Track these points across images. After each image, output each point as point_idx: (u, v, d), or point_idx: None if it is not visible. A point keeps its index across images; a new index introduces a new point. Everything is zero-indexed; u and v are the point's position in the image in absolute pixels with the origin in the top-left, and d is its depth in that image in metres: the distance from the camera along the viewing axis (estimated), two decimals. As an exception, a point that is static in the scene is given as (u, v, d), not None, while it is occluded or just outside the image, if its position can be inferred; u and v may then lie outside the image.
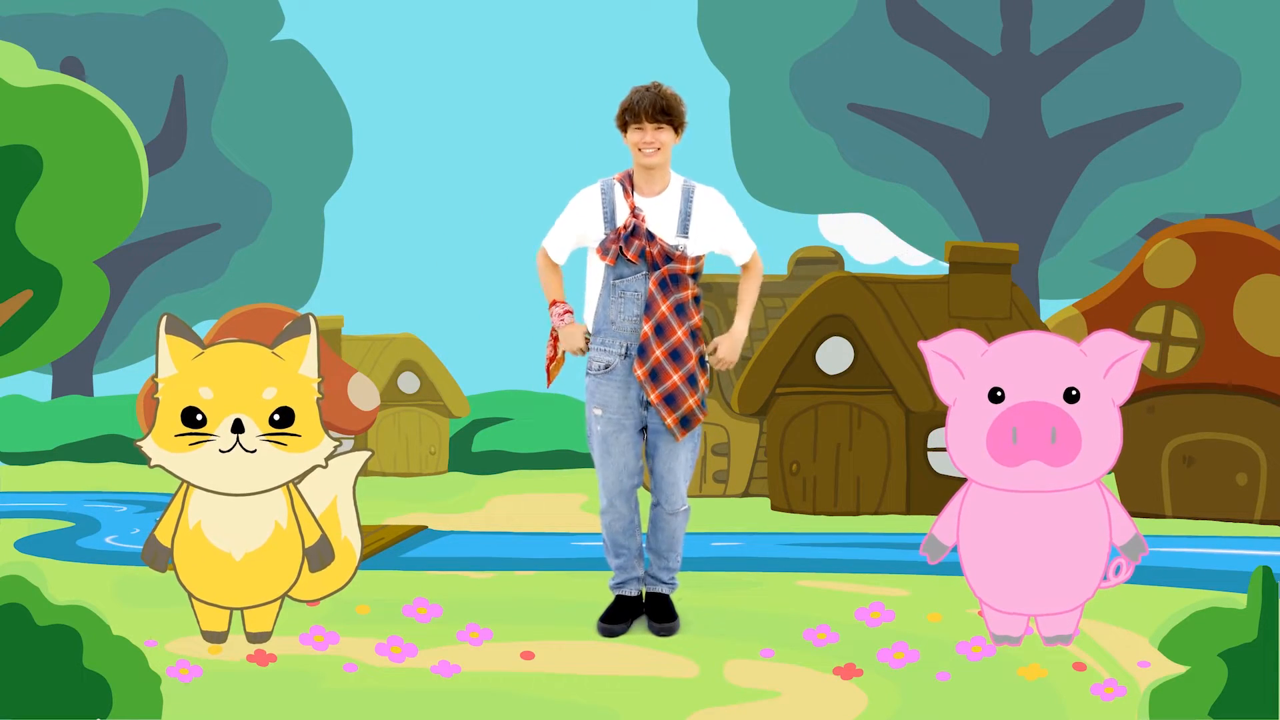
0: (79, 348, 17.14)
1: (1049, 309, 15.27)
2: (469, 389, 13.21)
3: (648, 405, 4.71)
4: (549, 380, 4.92)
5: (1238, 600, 3.25)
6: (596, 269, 4.78)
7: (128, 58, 17.21)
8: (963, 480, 4.46)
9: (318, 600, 4.78)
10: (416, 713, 3.83)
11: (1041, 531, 4.37)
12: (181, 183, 17.41)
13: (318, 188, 18.20)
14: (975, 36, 15.28)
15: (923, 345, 4.45)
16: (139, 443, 4.48)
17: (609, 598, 4.99)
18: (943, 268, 16.86)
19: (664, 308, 4.63)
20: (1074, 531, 4.37)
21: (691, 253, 4.70)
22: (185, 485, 4.50)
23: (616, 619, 4.86)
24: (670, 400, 4.64)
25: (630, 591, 4.93)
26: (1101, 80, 14.98)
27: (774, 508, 8.76)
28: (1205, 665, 3.13)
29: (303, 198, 18.10)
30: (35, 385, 17.13)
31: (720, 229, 4.77)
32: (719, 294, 9.76)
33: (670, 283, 4.65)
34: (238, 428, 4.41)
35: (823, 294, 8.57)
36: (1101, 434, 4.33)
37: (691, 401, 4.67)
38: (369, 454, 4.85)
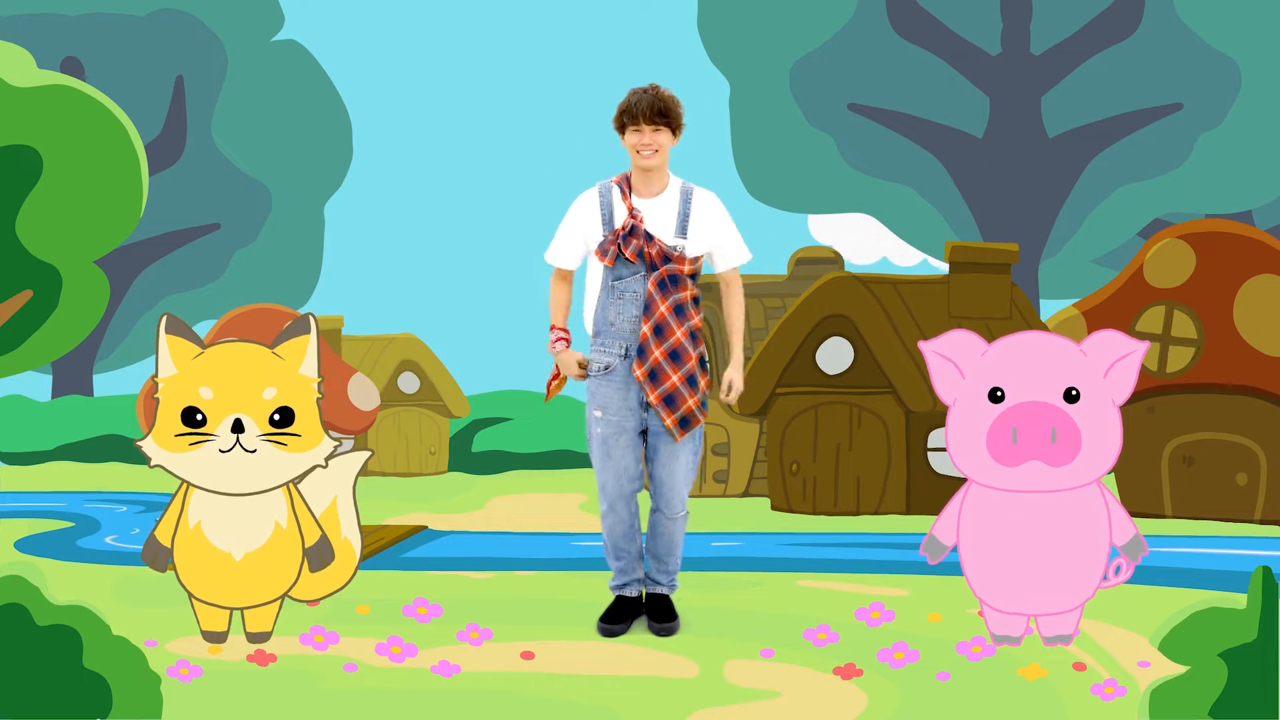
0: (79, 348, 17.14)
1: (1049, 309, 15.27)
2: (469, 389, 13.22)
3: (648, 407, 4.71)
4: (547, 397, 4.94)
5: (1238, 600, 3.25)
6: (596, 271, 4.78)
7: (128, 58, 17.22)
8: (963, 480, 4.46)
9: (318, 600, 4.77)
10: (416, 713, 3.83)
11: (1041, 531, 4.37)
12: (181, 183, 17.42)
13: (318, 188, 18.20)
14: (975, 36, 15.29)
15: (923, 345, 4.45)
16: (139, 443, 4.48)
17: (609, 598, 4.99)
18: (933, 268, 16.90)
19: (663, 308, 4.63)
20: (1074, 531, 4.37)
21: (690, 254, 4.70)
22: (185, 485, 4.50)
23: (616, 619, 4.86)
24: (669, 401, 4.64)
25: (630, 592, 4.93)
26: (1101, 80, 14.99)
27: (774, 508, 8.76)
28: (1205, 665, 3.13)
29: (303, 198, 18.11)
30: (35, 385, 17.13)
31: (715, 231, 4.77)
32: (719, 294, 9.76)
33: (669, 283, 4.65)
34: (238, 428, 4.41)
35: (823, 294, 8.57)
36: (1101, 434, 4.33)
37: (691, 402, 4.67)
38: (369, 454, 4.85)
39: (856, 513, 8.45)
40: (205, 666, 4.29)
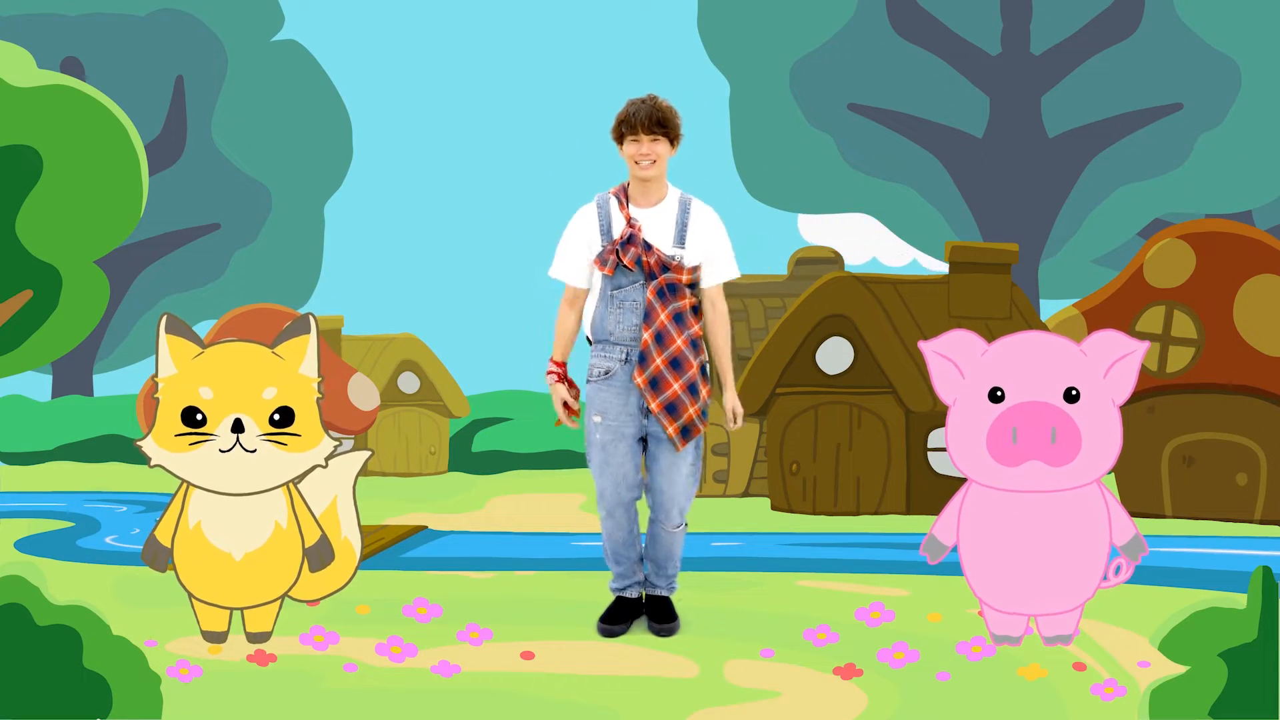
0: (79, 348, 17.14)
1: (1049, 309, 15.27)
2: (469, 389, 13.22)
3: (648, 414, 4.70)
4: (558, 423, 4.95)
5: (1238, 600, 3.25)
6: (595, 281, 4.78)
7: (128, 58, 17.22)
8: (963, 480, 4.46)
9: (318, 600, 4.77)
10: (416, 713, 3.83)
11: (1041, 531, 4.37)
12: (181, 183, 17.42)
13: (318, 188, 18.21)
14: (975, 36, 15.29)
15: (923, 345, 4.45)
16: (139, 442, 4.48)
17: (609, 598, 4.99)
18: (922, 268, 16.91)
19: (663, 316, 4.63)
20: (1074, 531, 4.37)
21: (688, 263, 4.70)
22: (185, 485, 4.50)
23: (616, 619, 4.86)
24: (671, 409, 4.64)
25: (630, 594, 4.93)
26: (1101, 80, 14.99)
27: (774, 508, 8.76)
28: (1205, 665, 3.13)
29: (303, 198, 18.11)
30: (35, 385, 17.14)
31: (709, 247, 4.76)
32: (719, 294, 9.76)
33: (668, 292, 4.66)
34: (238, 427, 4.41)
35: (823, 294, 8.57)
36: (1101, 434, 4.33)
37: (692, 411, 4.67)
38: (369, 454, 4.85)
39: (856, 513, 8.45)
40: (205, 666, 4.29)
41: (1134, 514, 7.91)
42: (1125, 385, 4.36)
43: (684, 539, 4.92)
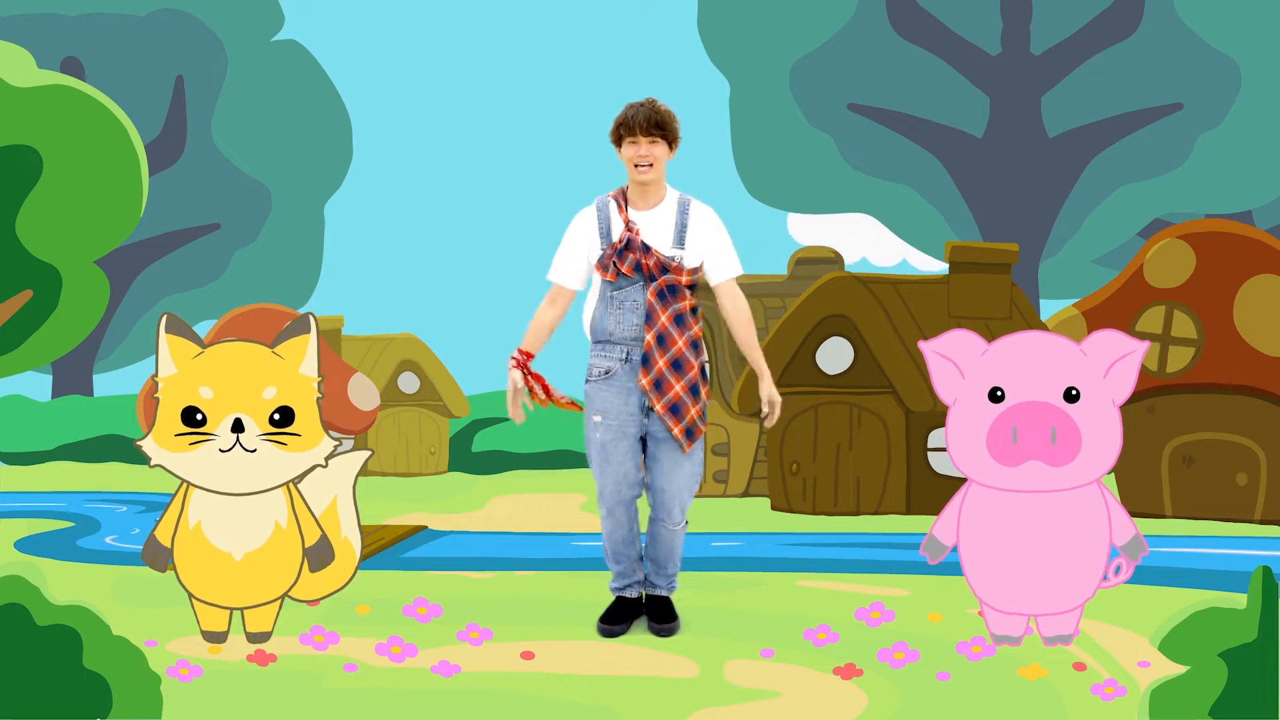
0: (79, 348, 17.15)
1: (1049, 309, 15.27)
2: (469, 389, 13.21)
3: (648, 413, 4.71)
4: (545, 403, 4.90)
5: (1238, 600, 3.25)
6: (595, 282, 4.79)
7: (128, 58, 17.22)
8: (963, 480, 4.46)
9: (318, 600, 4.77)
10: (416, 713, 3.83)
11: (1041, 531, 4.37)
12: (181, 183, 17.42)
13: (318, 188, 18.21)
14: (975, 36, 15.29)
15: (923, 345, 4.45)
16: (139, 442, 4.48)
17: (609, 598, 4.99)
18: (912, 267, 16.91)
19: (664, 318, 4.64)
20: (1074, 531, 4.37)
21: (688, 265, 4.72)
22: (185, 485, 4.50)
23: (616, 619, 4.86)
24: (675, 410, 4.65)
25: (630, 594, 4.93)
26: (1101, 80, 14.99)
27: (774, 508, 8.76)
28: (1205, 665, 3.13)
29: (303, 198, 18.11)
30: (35, 385, 17.14)
31: (709, 246, 4.77)
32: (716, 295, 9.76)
33: (668, 293, 4.67)
34: (238, 427, 4.41)
35: (823, 294, 8.57)
36: (1101, 434, 4.33)
37: (694, 411, 4.68)
38: (369, 454, 4.85)
39: (856, 513, 8.45)
40: (205, 666, 4.29)
41: (1134, 514, 7.91)
42: (1125, 385, 4.36)
43: (684, 537, 4.93)
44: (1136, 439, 8.01)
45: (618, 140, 4.73)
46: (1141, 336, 7.60)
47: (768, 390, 4.85)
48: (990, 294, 8.46)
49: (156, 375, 4.45)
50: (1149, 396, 8.10)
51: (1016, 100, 15.20)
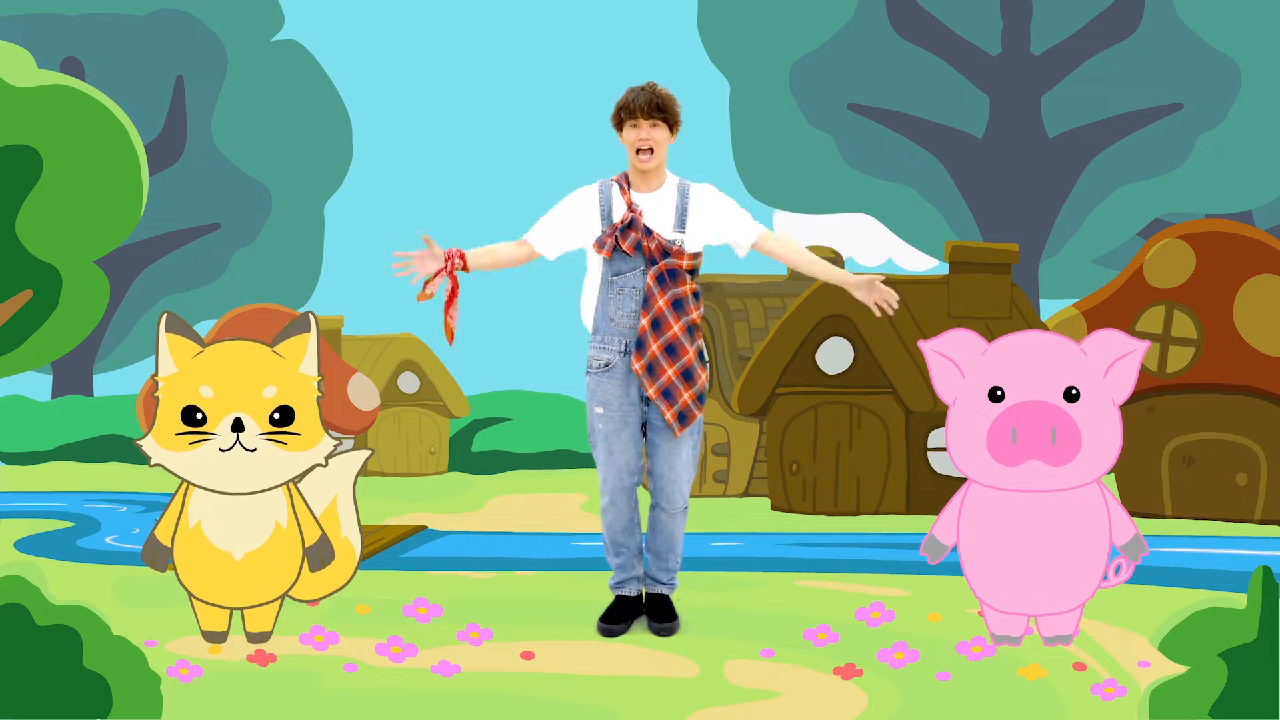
0: (79, 348, 17.14)
1: (1049, 309, 15.26)
2: (469, 389, 13.20)
3: (648, 402, 4.73)
4: (448, 323, 4.81)
5: (1238, 600, 3.25)
6: (595, 268, 4.79)
7: (128, 58, 17.21)
8: (963, 480, 4.46)
9: (318, 600, 4.77)
10: (416, 713, 3.83)
11: (1041, 531, 4.37)
12: (181, 183, 17.41)
13: (318, 188, 18.19)
14: (975, 36, 15.28)
15: (923, 344, 4.45)
16: (139, 441, 4.48)
17: (609, 598, 4.99)
18: (898, 267, 16.89)
19: (661, 302, 4.65)
20: (1074, 531, 4.37)
21: (689, 248, 4.73)
22: (185, 484, 4.50)
23: (616, 619, 4.86)
24: (667, 394, 4.67)
25: (630, 591, 4.93)
26: (1101, 80, 14.98)
27: (774, 508, 8.76)
28: (1205, 665, 3.13)
29: (303, 198, 18.10)
30: (35, 385, 17.12)
31: (719, 218, 4.77)
32: (719, 294, 9.76)
33: (668, 278, 4.67)
34: (238, 426, 4.41)
35: (823, 294, 8.56)
36: (1101, 433, 4.33)
37: (687, 396, 4.69)
38: (369, 453, 4.85)
39: (856, 513, 8.45)
40: (205, 666, 4.29)
41: (1134, 514, 7.91)
42: (1125, 384, 4.36)
43: (685, 523, 4.93)
44: (1136, 439, 8.01)
45: (619, 124, 4.74)
46: (1141, 336, 7.59)
47: (856, 279, 4.72)
48: (990, 294, 8.46)
49: (156, 374, 4.45)
50: (1149, 396, 8.09)
51: (1016, 100, 15.19)
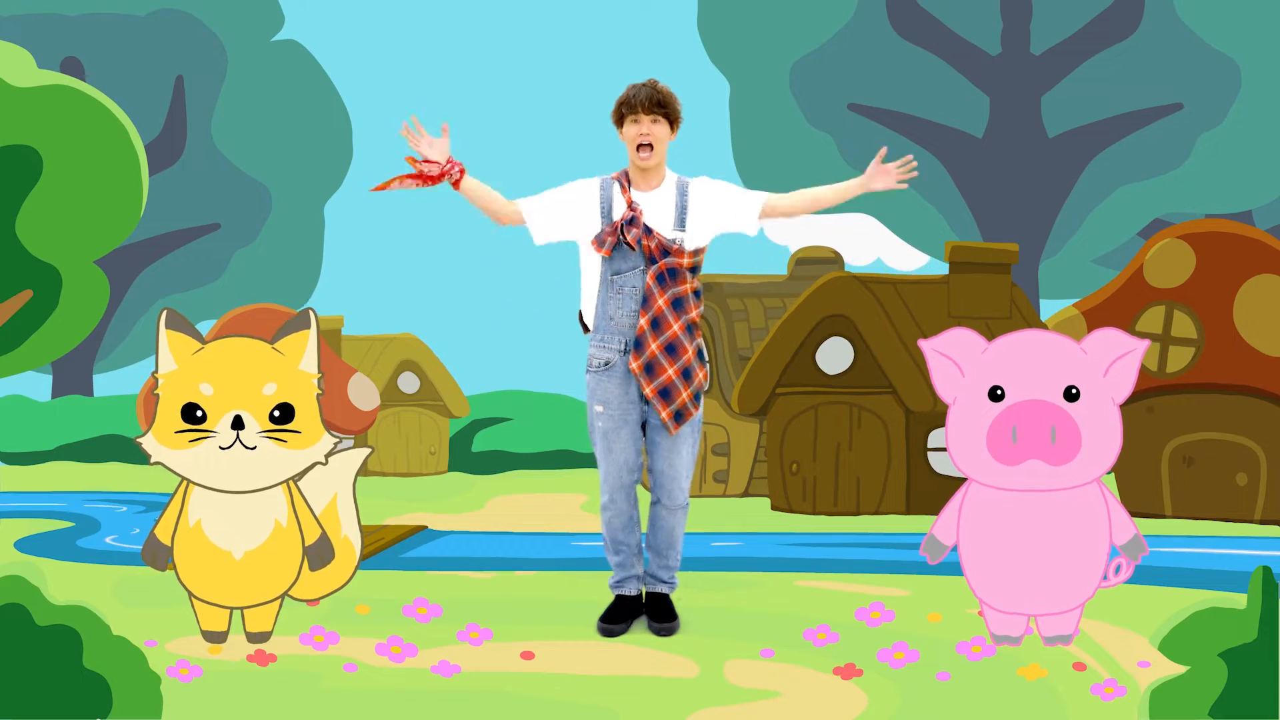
0: (79, 348, 17.14)
1: (1049, 309, 15.27)
2: (469, 389, 13.20)
3: (647, 400, 4.73)
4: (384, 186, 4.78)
5: (1238, 600, 3.25)
6: (593, 267, 4.78)
7: (128, 58, 17.21)
8: (963, 480, 4.46)
9: (318, 600, 4.77)
10: (416, 713, 3.83)
11: (1041, 531, 4.36)
12: (181, 183, 17.41)
13: (318, 188, 18.19)
14: (975, 36, 15.28)
15: (923, 344, 4.45)
16: (139, 439, 4.48)
17: (609, 598, 4.99)
18: (888, 267, 16.90)
19: (661, 301, 4.65)
20: (1074, 531, 4.37)
21: (689, 246, 4.72)
22: (185, 483, 4.50)
23: (616, 619, 4.86)
24: (665, 394, 4.67)
25: (630, 591, 4.93)
26: (1101, 80, 14.98)
27: (774, 508, 8.76)
28: (1205, 665, 3.13)
29: (303, 198, 18.10)
30: (35, 385, 17.12)
31: (720, 207, 4.76)
32: (719, 294, 9.76)
33: (668, 277, 4.67)
34: (238, 424, 4.41)
35: (823, 294, 8.57)
36: (1101, 433, 4.33)
37: (685, 395, 4.69)
38: (369, 450, 4.85)
39: (856, 513, 8.45)
40: (205, 666, 4.29)
41: (1134, 514, 7.91)
42: (1125, 384, 4.36)
43: (685, 520, 4.93)
44: (1136, 439, 8.01)
45: (619, 119, 4.74)
46: (1141, 336, 7.59)
47: (864, 176, 4.80)
48: (990, 294, 8.46)
49: (157, 371, 4.45)
50: (1149, 396, 8.09)
51: (1016, 100, 15.19)
